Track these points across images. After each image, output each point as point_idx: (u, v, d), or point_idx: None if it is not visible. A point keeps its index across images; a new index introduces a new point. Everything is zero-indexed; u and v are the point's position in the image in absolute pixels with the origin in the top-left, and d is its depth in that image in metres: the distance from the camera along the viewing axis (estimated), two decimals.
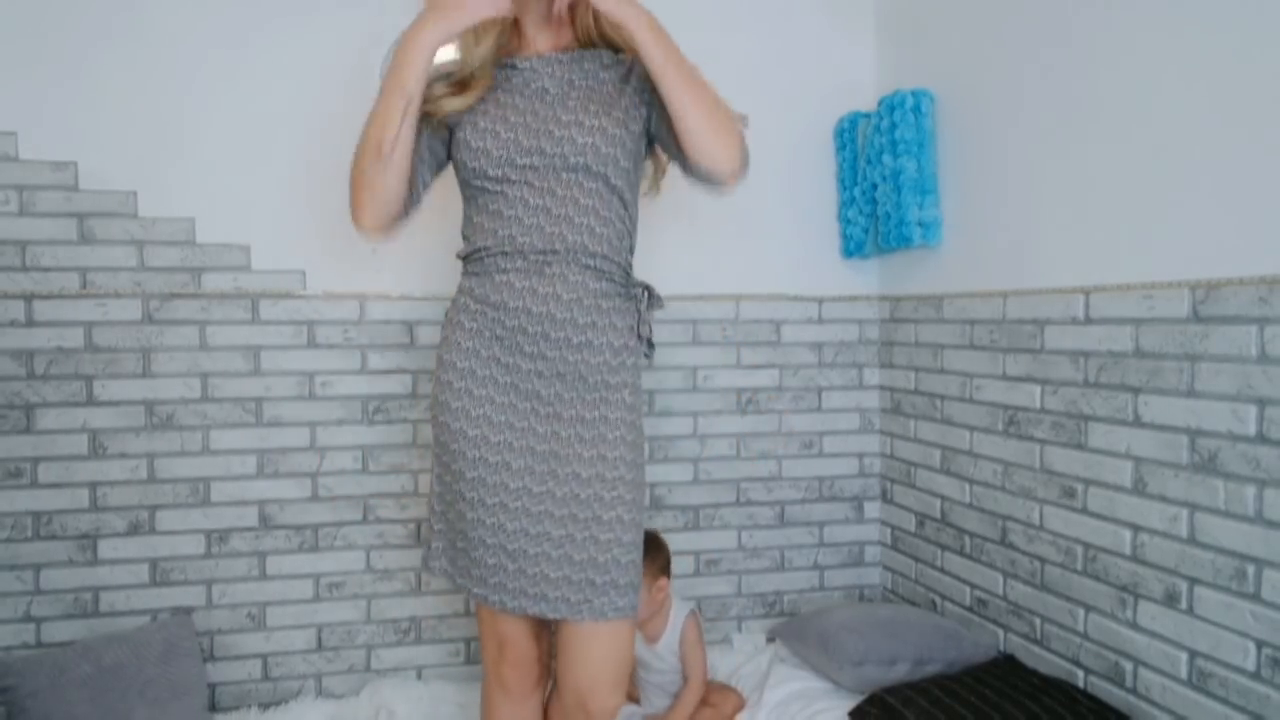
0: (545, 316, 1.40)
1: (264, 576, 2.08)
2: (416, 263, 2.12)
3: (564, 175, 1.41)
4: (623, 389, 1.45)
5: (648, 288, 1.52)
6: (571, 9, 1.48)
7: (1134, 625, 1.61)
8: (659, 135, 1.49)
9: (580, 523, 1.39)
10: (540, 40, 1.50)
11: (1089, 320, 1.70)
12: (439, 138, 1.48)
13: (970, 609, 2.08)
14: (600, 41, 1.51)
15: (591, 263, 1.42)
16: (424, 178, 1.48)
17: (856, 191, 2.24)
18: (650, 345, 1.53)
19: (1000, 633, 1.98)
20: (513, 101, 1.45)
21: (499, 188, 1.43)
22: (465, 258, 1.50)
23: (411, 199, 1.46)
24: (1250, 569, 1.39)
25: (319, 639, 2.12)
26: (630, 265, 1.51)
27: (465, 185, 1.48)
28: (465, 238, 1.51)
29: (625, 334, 1.47)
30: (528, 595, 1.39)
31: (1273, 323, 1.35)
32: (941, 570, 2.18)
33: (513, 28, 1.51)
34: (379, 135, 1.36)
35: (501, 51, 1.50)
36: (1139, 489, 1.59)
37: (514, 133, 1.42)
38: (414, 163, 1.42)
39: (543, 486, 1.40)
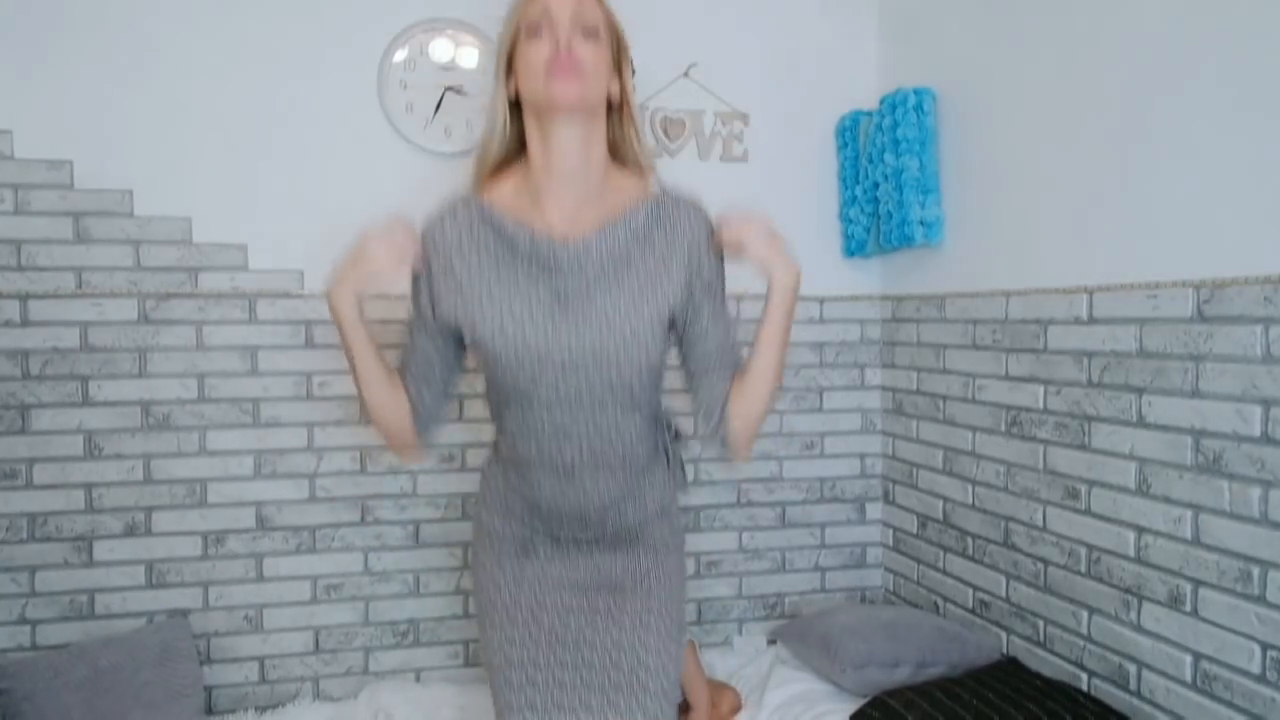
0: (580, 511, 1.39)
1: (261, 578, 2.06)
2: None
3: (594, 380, 1.30)
4: (664, 525, 1.45)
5: (672, 426, 1.48)
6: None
7: (1138, 627, 1.60)
8: (686, 342, 1.38)
9: (623, 650, 1.34)
10: (560, 211, 1.31)
11: (1092, 320, 1.69)
12: (444, 337, 1.36)
13: (973, 611, 2.06)
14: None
15: (621, 461, 1.37)
16: (437, 388, 1.39)
17: (858, 190, 2.23)
18: (684, 471, 1.50)
19: (1003, 635, 1.96)
20: (536, 293, 1.29)
21: (521, 395, 1.32)
22: (496, 442, 1.46)
23: (430, 408, 1.39)
24: (1255, 570, 1.38)
25: (316, 641, 2.10)
26: (660, 415, 1.44)
27: (486, 374, 1.37)
28: (489, 403, 1.43)
29: (662, 486, 1.45)
30: None
31: (1278, 322, 1.34)
32: (944, 572, 2.17)
33: (521, 183, 1.35)
34: (358, 393, 1.36)
35: (513, 209, 1.33)
36: (1143, 490, 1.58)
37: (543, 337, 1.28)
38: (418, 380, 1.37)
39: (587, 645, 1.35)
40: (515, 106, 1.32)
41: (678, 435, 1.50)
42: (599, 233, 1.30)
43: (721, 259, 1.38)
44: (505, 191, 1.34)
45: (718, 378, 1.38)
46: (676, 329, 1.37)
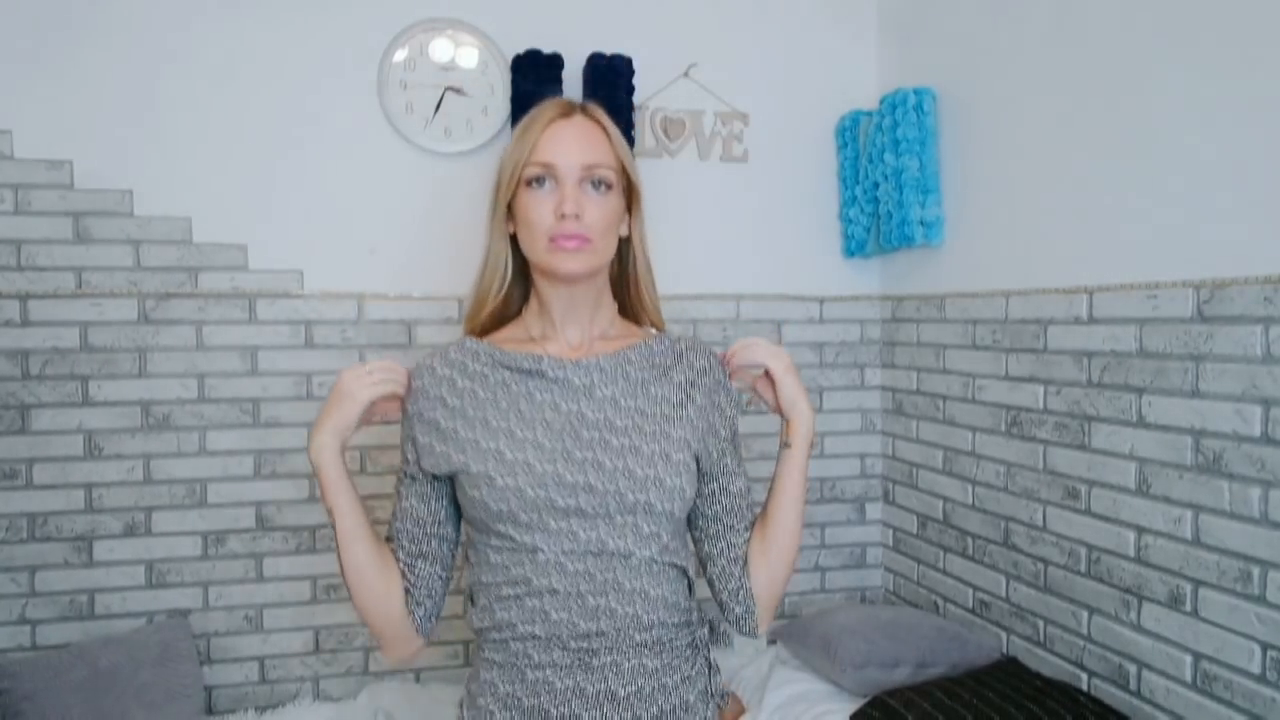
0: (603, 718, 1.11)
1: (261, 578, 2.06)
2: (414, 262, 2.11)
3: (617, 518, 1.10)
4: None
5: (710, 624, 1.24)
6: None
7: (1138, 627, 1.60)
8: (702, 494, 1.20)
9: None
10: (566, 345, 1.19)
11: (1092, 320, 1.69)
12: (436, 493, 1.17)
13: (973, 611, 2.06)
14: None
15: (648, 636, 1.11)
16: (434, 559, 1.17)
17: (858, 190, 2.23)
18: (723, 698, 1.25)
19: (1003, 635, 1.96)
20: (544, 418, 1.12)
21: (530, 538, 1.09)
22: (483, 635, 1.15)
23: (426, 585, 1.17)
24: (1255, 571, 1.37)
25: (316, 641, 2.10)
26: (691, 601, 1.20)
27: (479, 526, 1.13)
28: (477, 589, 1.16)
29: (696, 695, 1.18)
30: None
31: (1278, 322, 1.34)
32: (944, 572, 2.17)
33: (520, 328, 1.23)
34: (340, 571, 1.14)
35: (517, 343, 1.20)
36: (1143, 490, 1.58)
37: (554, 464, 1.09)
38: (411, 550, 1.17)
39: None
40: (514, 239, 1.20)
41: (712, 630, 1.25)
42: (612, 355, 1.17)
43: (735, 401, 1.25)
44: (504, 336, 1.22)
45: (738, 535, 1.21)
46: (709, 461, 1.20)
